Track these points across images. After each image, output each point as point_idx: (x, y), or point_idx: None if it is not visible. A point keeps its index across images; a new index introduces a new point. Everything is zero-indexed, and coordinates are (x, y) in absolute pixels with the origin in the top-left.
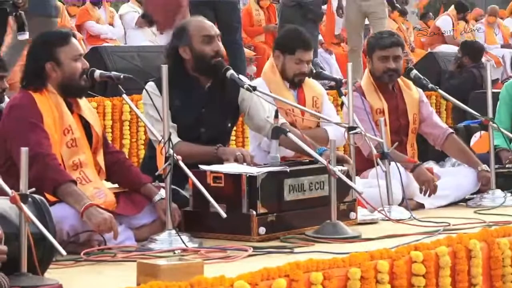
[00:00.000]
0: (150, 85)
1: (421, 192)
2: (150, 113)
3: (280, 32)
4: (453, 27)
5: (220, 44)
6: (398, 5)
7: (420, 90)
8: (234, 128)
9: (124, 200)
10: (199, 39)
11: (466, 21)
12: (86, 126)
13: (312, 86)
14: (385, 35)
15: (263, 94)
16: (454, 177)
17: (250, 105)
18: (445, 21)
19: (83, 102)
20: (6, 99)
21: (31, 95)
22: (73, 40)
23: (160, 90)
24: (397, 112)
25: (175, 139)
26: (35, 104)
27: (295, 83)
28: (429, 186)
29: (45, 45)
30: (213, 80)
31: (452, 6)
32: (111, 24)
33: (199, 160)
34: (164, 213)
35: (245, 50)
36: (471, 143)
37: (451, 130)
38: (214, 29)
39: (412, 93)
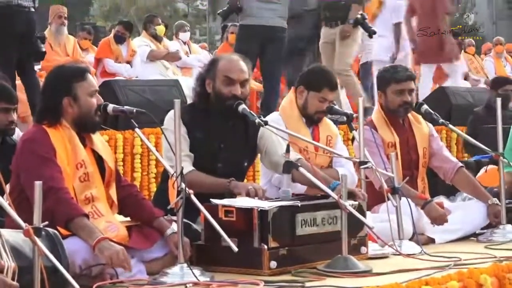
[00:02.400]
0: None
1: (434, 226)
2: (167, 139)
3: (307, 69)
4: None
5: (243, 89)
6: (371, 28)
7: (430, 124)
8: None
9: (136, 234)
10: (221, 78)
11: (465, 51)
12: (99, 160)
13: (327, 125)
14: (400, 69)
15: (274, 129)
16: (464, 212)
17: (268, 143)
18: None
19: (96, 136)
20: (19, 132)
21: (44, 130)
22: (89, 76)
23: (183, 118)
24: (408, 146)
25: (189, 167)
26: (49, 139)
27: (314, 120)
28: (442, 221)
29: (63, 80)
30: (236, 120)
31: None
32: (129, 62)
33: (210, 191)
34: (176, 247)
35: (256, 83)
36: (477, 176)
37: (461, 164)
38: (240, 74)
39: (422, 128)
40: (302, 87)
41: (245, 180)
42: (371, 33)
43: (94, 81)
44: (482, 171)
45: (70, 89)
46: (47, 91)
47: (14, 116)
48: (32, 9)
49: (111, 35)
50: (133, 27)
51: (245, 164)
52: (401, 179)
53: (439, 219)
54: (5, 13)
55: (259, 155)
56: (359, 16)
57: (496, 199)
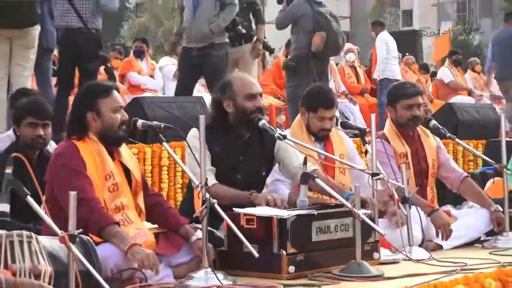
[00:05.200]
0: (195, 131)
1: (437, 236)
2: (192, 156)
3: (307, 89)
4: (453, 75)
5: (262, 100)
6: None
7: (437, 138)
8: None
9: (164, 240)
10: (243, 96)
11: (460, 64)
12: (127, 172)
13: (341, 143)
14: (408, 86)
15: (292, 143)
16: (469, 218)
17: (285, 154)
18: (443, 72)
19: (123, 149)
20: (55, 145)
21: (74, 144)
22: (115, 92)
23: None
24: (418, 156)
25: (212, 181)
26: (78, 153)
27: (319, 137)
28: (444, 230)
29: (88, 97)
30: (252, 132)
31: (447, 59)
32: (152, 76)
33: (233, 202)
34: (201, 251)
35: (275, 100)
36: (485, 189)
37: (466, 174)
38: (257, 88)
39: (430, 141)
40: (303, 108)
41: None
42: (271, 51)
43: (119, 98)
44: (489, 183)
45: (94, 105)
46: (74, 107)
47: (43, 131)
48: (93, 31)
49: (131, 53)
50: (160, 47)
51: (263, 173)
52: (415, 186)
53: (442, 227)
54: (68, 35)
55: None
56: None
57: (498, 205)
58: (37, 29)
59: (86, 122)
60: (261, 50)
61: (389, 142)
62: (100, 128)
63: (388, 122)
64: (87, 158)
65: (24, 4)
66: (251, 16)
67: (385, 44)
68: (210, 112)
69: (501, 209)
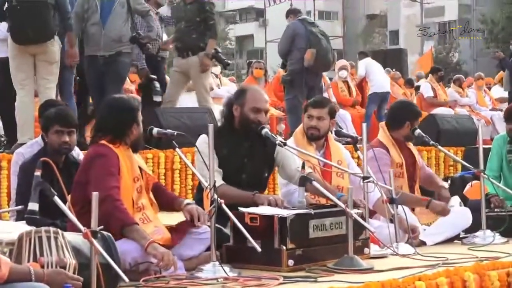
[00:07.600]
0: (204, 137)
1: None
2: (200, 160)
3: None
4: (433, 90)
5: (266, 117)
6: (225, 60)
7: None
8: None
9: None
10: (250, 106)
11: (443, 80)
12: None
13: (338, 151)
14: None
15: (291, 149)
16: (449, 217)
17: (283, 159)
18: (424, 87)
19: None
20: (79, 151)
21: (111, 148)
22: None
23: None
24: (409, 163)
25: (219, 182)
26: (116, 156)
27: (309, 137)
28: (444, 212)
29: (131, 109)
30: (255, 137)
31: (430, 75)
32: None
33: (238, 202)
34: (190, 214)
35: (276, 110)
36: (464, 191)
37: (430, 170)
38: (265, 105)
39: (413, 147)
40: (304, 113)
41: (267, 190)
42: (225, 65)
43: None
44: (468, 186)
45: (135, 116)
46: (118, 118)
47: (69, 138)
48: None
49: None
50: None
51: (265, 174)
52: (408, 189)
53: (442, 212)
54: None
55: (276, 167)
56: (213, 50)
57: (446, 183)
58: (55, 45)
59: (129, 131)
60: (208, 65)
61: (388, 152)
62: (136, 136)
63: (384, 134)
64: (122, 161)
65: (38, 21)
66: (203, 28)
67: (364, 66)
68: (223, 111)
69: (446, 186)
